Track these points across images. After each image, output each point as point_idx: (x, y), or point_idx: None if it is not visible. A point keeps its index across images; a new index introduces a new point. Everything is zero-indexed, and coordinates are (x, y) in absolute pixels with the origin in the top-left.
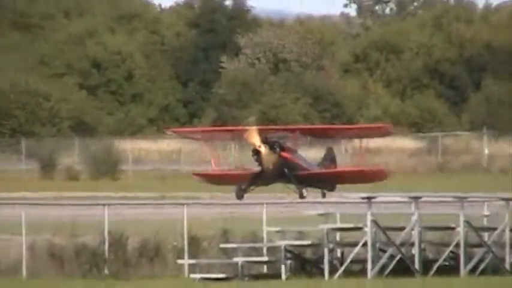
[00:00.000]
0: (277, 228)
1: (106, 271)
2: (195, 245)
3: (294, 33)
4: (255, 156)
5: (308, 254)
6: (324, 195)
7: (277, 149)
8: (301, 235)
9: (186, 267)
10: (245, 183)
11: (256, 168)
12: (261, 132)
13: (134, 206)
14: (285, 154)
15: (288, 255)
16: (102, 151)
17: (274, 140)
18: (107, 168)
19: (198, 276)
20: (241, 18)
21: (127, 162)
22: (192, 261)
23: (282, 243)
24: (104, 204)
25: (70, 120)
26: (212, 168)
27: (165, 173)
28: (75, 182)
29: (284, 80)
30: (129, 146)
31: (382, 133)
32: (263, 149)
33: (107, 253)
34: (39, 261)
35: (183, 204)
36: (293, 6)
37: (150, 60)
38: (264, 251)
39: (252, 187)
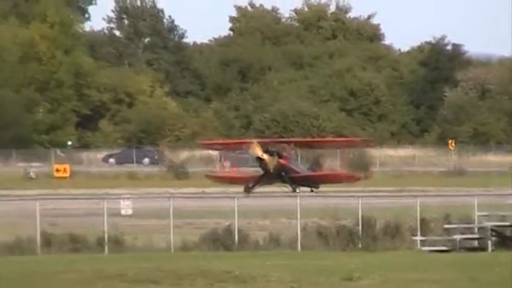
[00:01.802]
0: (485, 213)
1: (359, 245)
2: (425, 226)
3: (496, 69)
4: (259, 163)
5: (508, 232)
6: (312, 191)
7: (276, 157)
8: (503, 218)
9: (418, 242)
10: (251, 182)
11: (260, 172)
12: (263, 144)
13: (380, 197)
14: (282, 161)
15: (493, 233)
16: (358, 157)
17: (274, 150)
18: (361, 169)
19: (427, 248)
20: (458, 59)
21: (376, 165)
22: (423, 237)
23: (489, 224)
24: (358, 196)
25: (333, 134)
26: (223, 171)
27: (403, 173)
28: None
29: (489, 104)
30: (377, 153)
31: (356, 145)
32: (265, 157)
33: (360, 231)
34: (309, 238)
35: (416, 196)
36: (496, 50)
37: (392, 90)
38: (475, 230)
39: (257, 186)
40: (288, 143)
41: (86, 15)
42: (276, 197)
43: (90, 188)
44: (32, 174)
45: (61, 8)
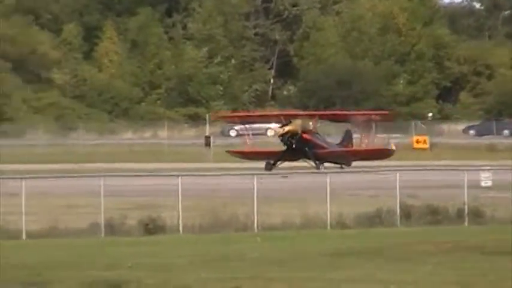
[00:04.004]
0: None
1: None
2: None
3: None
4: (281, 138)
5: None
6: (341, 168)
7: (298, 122)
8: None
9: None
10: (273, 159)
11: (282, 148)
12: (287, 117)
13: None
14: (305, 135)
15: None
16: None
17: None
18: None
19: None
20: None
21: None
22: None
23: None
24: None
25: None
26: (246, 146)
27: None
28: None
29: None
30: None
31: (385, 118)
32: (288, 127)
33: None
34: None
35: None
36: None
37: None
38: None
39: (279, 162)
40: (312, 116)
41: None
42: None
43: (451, 159)
44: (392, 146)
45: None
